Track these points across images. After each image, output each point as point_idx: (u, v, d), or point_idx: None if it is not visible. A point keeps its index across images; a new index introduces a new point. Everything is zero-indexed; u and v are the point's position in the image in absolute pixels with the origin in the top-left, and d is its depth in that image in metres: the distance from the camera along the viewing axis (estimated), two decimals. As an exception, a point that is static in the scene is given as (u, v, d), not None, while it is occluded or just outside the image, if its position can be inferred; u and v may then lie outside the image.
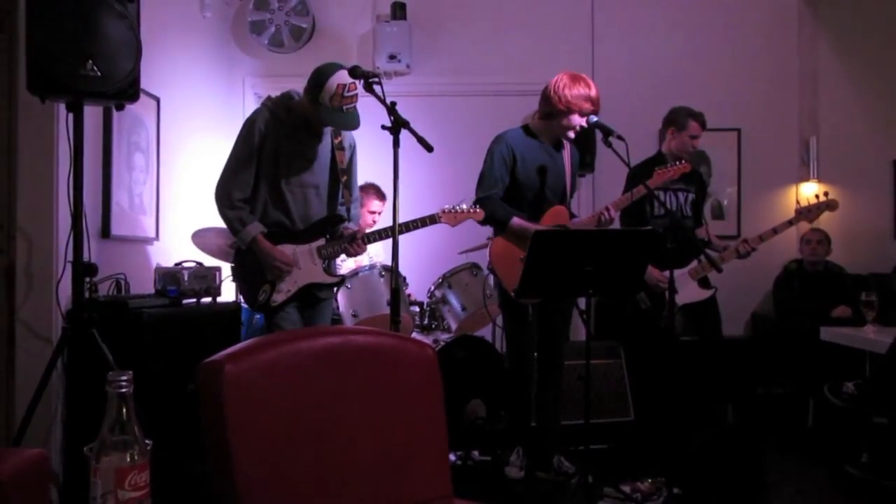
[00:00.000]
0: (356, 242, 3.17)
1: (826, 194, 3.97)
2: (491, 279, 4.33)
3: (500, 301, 3.61)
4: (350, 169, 3.31)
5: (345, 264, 4.26)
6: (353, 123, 3.06)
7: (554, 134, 3.52)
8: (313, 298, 3.24)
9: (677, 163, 3.63)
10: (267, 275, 3.11)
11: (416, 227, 3.20)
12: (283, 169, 3.12)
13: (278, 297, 3.11)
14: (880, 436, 3.54)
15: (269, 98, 3.22)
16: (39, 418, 2.74)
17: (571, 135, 3.47)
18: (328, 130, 3.23)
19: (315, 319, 3.28)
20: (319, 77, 3.02)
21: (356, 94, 3.01)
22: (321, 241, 3.21)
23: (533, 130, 3.54)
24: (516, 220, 3.39)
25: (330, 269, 3.26)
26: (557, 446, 3.58)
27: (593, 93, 3.36)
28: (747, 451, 3.52)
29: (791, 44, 5.49)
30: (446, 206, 3.30)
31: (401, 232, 3.10)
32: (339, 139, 3.25)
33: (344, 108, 3.00)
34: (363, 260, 4.34)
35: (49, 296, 3.03)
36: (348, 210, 3.33)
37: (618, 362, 4.28)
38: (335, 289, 3.40)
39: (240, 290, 3.30)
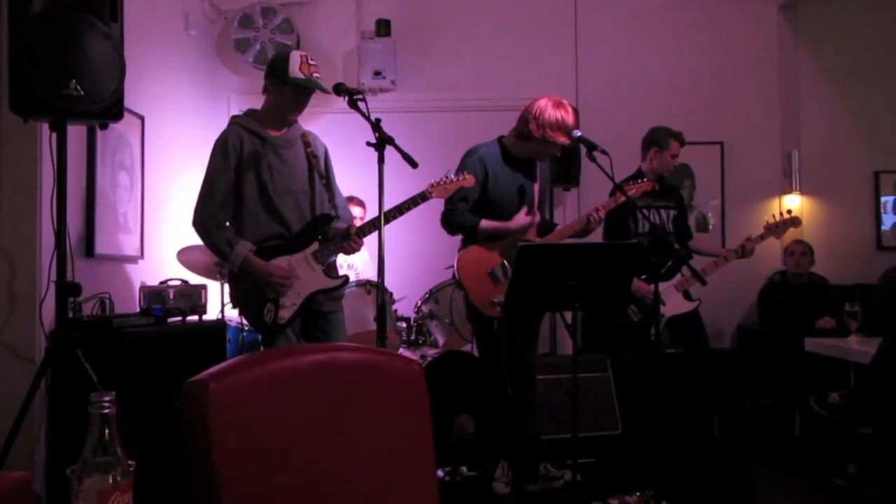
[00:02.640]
0: (351, 239, 3.06)
1: (789, 212, 4.20)
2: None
3: (467, 314, 3.66)
4: (328, 174, 3.22)
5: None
6: (324, 87, 3.01)
7: (529, 154, 3.55)
8: (318, 314, 3.12)
9: (640, 181, 3.73)
10: (267, 293, 2.99)
11: (408, 209, 3.10)
12: (268, 178, 3.03)
13: (285, 314, 2.99)
14: (866, 446, 3.55)
15: (233, 116, 3.18)
16: (22, 440, 2.70)
17: (547, 158, 3.56)
18: (297, 139, 3.14)
19: (330, 337, 3.14)
20: (278, 59, 3.06)
21: (317, 65, 3.05)
22: (315, 246, 3.08)
23: (507, 146, 3.56)
24: (485, 222, 3.41)
25: (330, 272, 3.15)
26: (541, 454, 3.59)
27: (570, 121, 3.37)
28: (734, 463, 3.53)
29: (772, 58, 5.57)
30: (433, 180, 3.21)
31: (393, 217, 3.06)
32: (311, 149, 3.16)
33: (313, 74, 3.01)
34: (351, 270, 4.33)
35: (32, 316, 3.00)
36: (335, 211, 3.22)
37: (605, 376, 4.29)
38: (341, 298, 3.26)
39: (242, 314, 3.20)
